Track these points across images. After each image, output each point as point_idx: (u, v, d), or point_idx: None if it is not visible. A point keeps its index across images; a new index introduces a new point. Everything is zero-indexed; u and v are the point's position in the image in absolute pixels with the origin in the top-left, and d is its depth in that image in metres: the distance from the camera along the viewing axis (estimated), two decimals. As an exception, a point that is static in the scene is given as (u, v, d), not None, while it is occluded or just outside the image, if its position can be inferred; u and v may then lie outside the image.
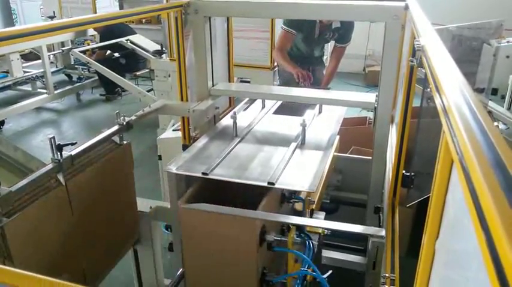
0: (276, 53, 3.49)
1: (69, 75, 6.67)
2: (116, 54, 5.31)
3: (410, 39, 1.43)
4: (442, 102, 0.57)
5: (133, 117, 1.88)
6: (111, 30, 5.50)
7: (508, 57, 4.26)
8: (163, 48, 4.28)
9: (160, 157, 2.61)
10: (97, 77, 5.95)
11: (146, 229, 2.15)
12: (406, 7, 1.75)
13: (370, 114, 3.80)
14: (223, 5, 2.04)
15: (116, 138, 1.83)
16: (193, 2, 2.00)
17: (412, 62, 0.96)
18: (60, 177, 1.50)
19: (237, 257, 1.47)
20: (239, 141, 1.86)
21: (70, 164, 1.52)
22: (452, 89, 0.58)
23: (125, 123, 1.80)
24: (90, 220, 1.67)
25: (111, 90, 5.89)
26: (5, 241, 1.28)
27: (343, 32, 3.42)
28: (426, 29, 1.09)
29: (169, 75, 4.24)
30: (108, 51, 5.65)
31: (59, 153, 1.48)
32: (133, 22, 6.33)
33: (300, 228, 1.51)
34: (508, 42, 4.47)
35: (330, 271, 1.40)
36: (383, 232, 1.21)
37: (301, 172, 1.59)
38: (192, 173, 1.61)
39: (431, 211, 0.58)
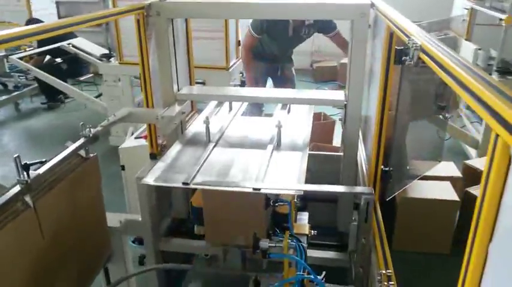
0: (241, 50, 3.46)
1: (4, 84, 6.20)
2: (58, 60, 5.00)
3: (386, 38, 1.45)
4: (482, 100, 0.56)
5: (99, 128, 1.77)
6: (50, 34, 5.17)
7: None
8: (111, 52, 4.09)
9: (123, 167, 2.48)
10: (36, 85, 5.58)
11: (117, 245, 2.04)
12: (372, 5, 1.78)
13: (325, 110, 3.89)
14: (187, 6, 1.96)
15: (82, 152, 1.71)
16: (155, 4, 1.91)
17: (405, 60, 0.97)
18: (28, 199, 1.37)
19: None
20: (214, 147, 1.81)
21: (38, 184, 1.39)
22: (484, 86, 0.58)
23: (91, 135, 1.68)
24: (61, 241, 1.55)
25: (53, 98, 5.54)
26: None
27: (321, 24, 3.36)
28: (413, 28, 1.10)
29: (119, 80, 4.06)
30: (48, 57, 5.31)
31: (25, 173, 1.35)
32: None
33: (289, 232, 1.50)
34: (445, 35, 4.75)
35: (324, 273, 1.39)
36: (372, 190, 1.28)
37: (284, 174, 1.58)
38: (172, 184, 1.54)
39: (483, 213, 0.57)
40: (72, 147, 1.60)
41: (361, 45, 1.85)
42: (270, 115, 2.30)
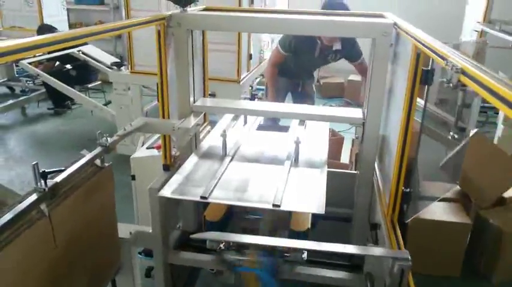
0: (268, 66, 3.54)
1: (11, 88, 6.21)
2: (68, 66, 5.00)
3: (412, 58, 1.44)
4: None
5: (115, 138, 1.74)
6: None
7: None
8: (122, 60, 4.09)
9: (133, 177, 2.45)
10: (44, 90, 5.58)
11: (127, 256, 2.00)
12: (395, 24, 1.77)
13: (333, 126, 3.87)
14: (208, 18, 1.96)
15: (97, 161, 1.68)
16: (176, 15, 1.90)
17: (446, 83, 0.95)
18: (43, 207, 1.34)
19: None
20: (230, 161, 1.78)
21: (54, 193, 1.36)
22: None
23: (108, 144, 1.66)
24: (73, 252, 1.52)
25: (60, 104, 5.54)
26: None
27: (347, 52, 3.41)
28: (446, 50, 1.09)
29: (128, 89, 4.05)
30: (57, 63, 5.32)
31: (43, 181, 1.32)
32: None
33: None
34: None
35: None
36: (407, 254, 1.19)
37: (303, 192, 1.55)
38: (190, 198, 1.51)
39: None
40: (89, 156, 1.57)
41: (383, 63, 1.84)
42: (286, 127, 2.28)
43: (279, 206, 1.42)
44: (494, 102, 0.77)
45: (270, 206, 1.43)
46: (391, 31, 1.77)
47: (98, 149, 1.63)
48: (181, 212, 2.23)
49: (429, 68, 1.43)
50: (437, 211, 2.78)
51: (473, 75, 0.87)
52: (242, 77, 3.80)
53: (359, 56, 3.49)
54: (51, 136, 5.04)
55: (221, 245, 1.96)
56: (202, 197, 1.47)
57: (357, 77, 6.94)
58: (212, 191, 1.52)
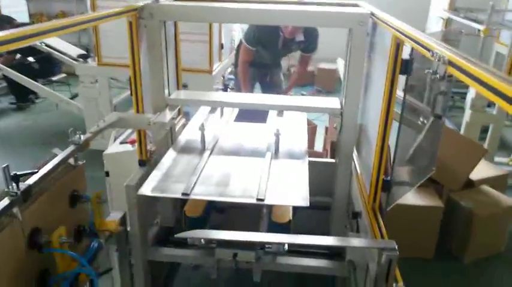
0: (240, 64, 3.57)
1: (-32, 83, 5.89)
2: (30, 59, 4.78)
3: (392, 48, 1.43)
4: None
5: (88, 135, 1.67)
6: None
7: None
8: (89, 52, 3.94)
9: (107, 173, 2.37)
10: (4, 84, 5.32)
11: (104, 257, 1.94)
12: (372, 14, 1.77)
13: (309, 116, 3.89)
14: (180, 9, 1.90)
15: (71, 160, 1.61)
16: (148, 6, 1.83)
17: (433, 74, 0.95)
18: (16, 210, 1.27)
19: None
20: (210, 155, 1.75)
21: (27, 196, 1.29)
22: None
23: (81, 142, 1.59)
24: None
25: (23, 98, 5.30)
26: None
27: (308, 43, 3.47)
28: (430, 41, 1.09)
29: (96, 81, 3.91)
30: (18, 55, 5.07)
31: (14, 184, 1.25)
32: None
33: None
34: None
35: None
36: (394, 244, 1.20)
37: (286, 184, 1.54)
38: (170, 195, 1.47)
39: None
40: (62, 155, 1.50)
41: (360, 53, 1.84)
42: (263, 112, 2.25)
43: (262, 200, 1.41)
44: (483, 91, 0.77)
45: (253, 201, 1.41)
46: (367, 21, 1.77)
47: (71, 148, 1.56)
48: (159, 207, 2.19)
49: (409, 58, 1.43)
50: (410, 196, 2.85)
51: (461, 66, 0.87)
52: (214, 67, 3.74)
53: (314, 49, 3.63)
54: (14, 132, 4.83)
55: (202, 240, 1.95)
56: (183, 194, 1.44)
57: (327, 65, 6.99)
58: (193, 187, 1.49)
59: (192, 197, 1.43)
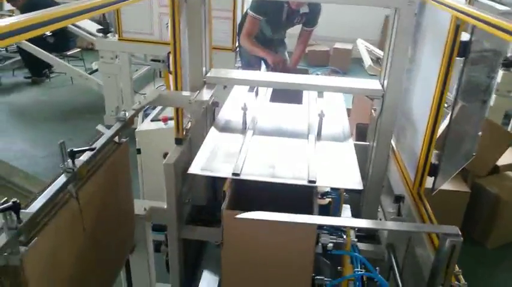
0: (243, 38, 3.35)
1: (-20, 56, 5.84)
2: (48, 33, 4.70)
3: (451, 30, 1.39)
4: None
5: (132, 112, 1.65)
6: (34, 4, 4.86)
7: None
8: (109, 27, 3.87)
9: (139, 151, 2.36)
10: (19, 58, 5.27)
11: (141, 233, 1.95)
12: (422, -7, 1.72)
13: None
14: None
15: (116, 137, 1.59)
16: (191, -20, 1.78)
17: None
18: (71, 188, 1.26)
19: (288, 265, 1.37)
20: (252, 135, 1.73)
21: (81, 173, 1.28)
22: None
23: (127, 119, 1.57)
24: (98, 233, 1.45)
25: (38, 72, 5.26)
26: (22, 275, 1.03)
27: (310, 16, 3.36)
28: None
29: (116, 57, 3.87)
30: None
31: (70, 161, 1.23)
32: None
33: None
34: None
35: (378, 268, 1.36)
36: (458, 230, 1.19)
37: (335, 167, 1.52)
38: (221, 175, 1.45)
39: None
40: (110, 132, 1.48)
41: (406, 35, 1.79)
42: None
43: (314, 182, 1.39)
44: None
45: (305, 182, 1.39)
46: (416, 0, 1.72)
47: (118, 125, 1.54)
48: (192, 186, 2.18)
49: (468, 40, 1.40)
50: (437, 180, 2.84)
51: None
52: (236, 45, 3.69)
53: (315, 24, 3.52)
54: (31, 107, 4.81)
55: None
56: (234, 174, 1.42)
57: (342, 45, 6.90)
58: (242, 167, 1.47)
59: (242, 177, 1.41)
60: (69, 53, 5.26)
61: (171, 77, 4.29)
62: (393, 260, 1.70)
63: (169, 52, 1.95)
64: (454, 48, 1.41)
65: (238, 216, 1.27)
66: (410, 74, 1.89)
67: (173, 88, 1.93)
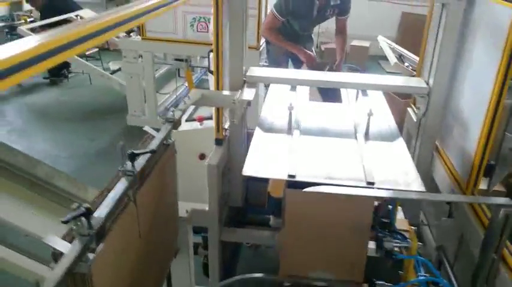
0: (267, 32, 3.29)
1: (-2, 56, 5.83)
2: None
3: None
4: None
5: (179, 112, 1.62)
6: (54, 5, 4.87)
7: None
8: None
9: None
10: (37, 58, 5.26)
11: (184, 236, 1.92)
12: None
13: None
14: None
15: (164, 138, 1.56)
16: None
17: None
18: (130, 192, 1.23)
19: (346, 236, 1.39)
20: (300, 136, 1.69)
21: (142, 176, 1.26)
22: None
23: (176, 119, 1.54)
24: (151, 237, 1.42)
25: (57, 73, 5.26)
26: (90, 282, 1.01)
27: (342, 6, 3.29)
28: None
29: (140, 56, 3.84)
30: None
31: (130, 163, 1.21)
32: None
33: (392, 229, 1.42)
34: None
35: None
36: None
37: (391, 167, 1.48)
38: (276, 176, 1.42)
39: None
40: (163, 133, 1.45)
41: (454, 30, 1.75)
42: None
43: (373, 183, 1.35)
44: None
45: (363, 184, 1.36)
46: (467, -5, 1.68)
47: (168, 126, 1.51)
48: (229, 188, 2.15)
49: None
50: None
51: None
52: (261, 43, 3.64)
53: (348, 11, 3.41)
54: (52, 107, 4.80)
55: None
56: (290, 176, 1.39)
57: (360, 42, 6.83)
58: (297, 169, 1.44)
59: (298, 179, 1.38)
60: (87, 53, 5.25)
61: (193, 76, 4.24)
62: (444, 259, 1.66)
63: (210, 51, 1.92)
64: (517, 44, 1.37)
65: (305, 190, 1.27)
66: (457, 71, 1.84)
67: (214, 88, 1.90)
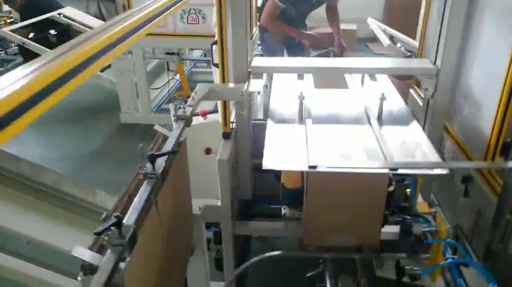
0: (268, 21, 3.24)
1: (-20, 60, 5.66)
2: (52, 32, 4.55)
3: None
4: None
5: (189, 108, 1.57)
6: (34, 5, 4.71)
7: None
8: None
9: (179, 148, 2.28)
10: (20, 60, 5.11)
11: (198, 233, 1.89)
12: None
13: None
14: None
15: (176, 136, 1.52)
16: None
17: None
18: (151, 194, 1.19)
19: (364, 207, 1.46)
20: (313, 124, 1.66)
21: (163, 178, 1.22)
22: None
23: (188, 116, 1.50)
24: (171, 238, 1.39)
25: (42, 74, 5.10)
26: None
27: None
28: None
29: (129, 52, 3.75)
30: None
31: (151, 165, 1.16)
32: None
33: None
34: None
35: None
36: None
37: (411, 151, 1.46)
38: (298, 168, 1.39)
39: None
40: (177, 132, 1.41)
41: (461, 8, 1.73)
42: None
43: (396, 169, 1.33)
44: None
45: (387, 171, 1.34)
46: (475, -28, 1.65)
47: (181, 123, 1.46)
48: (237, 181, 2.12)
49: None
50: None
51: None
52: (253, 32, 3.58)
53: None
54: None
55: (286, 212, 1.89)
56: (311, 167, 1.36)
57: (347, 26, 6.78)
58: (316, 158, 1.41)
59: (319, 169, 1.35)
60: (72, 52, 5.09)
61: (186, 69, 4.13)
62: (463, 238, 1.65)
63: (213, 43, 1.87)
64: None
65: (326, 168, 1.31)
66: (465, 50, 1.82)
67: (219, 81, 1.85)
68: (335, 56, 3.18)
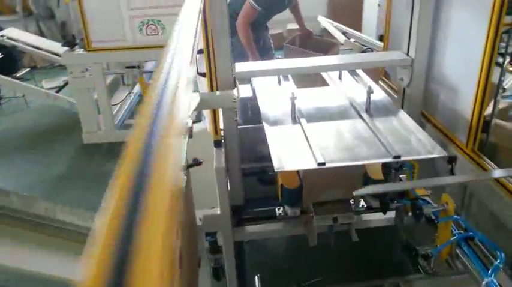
0: (243, 27, 3.24)
1: None
2: (-2, 55, 4.29)
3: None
4: None
5: (188, 120, 1.55)
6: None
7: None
8: (75, 39, 3.59)
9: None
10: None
11: (201, 244, 1.87)
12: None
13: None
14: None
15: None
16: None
17: None
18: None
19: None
20: (308, 123, 1.70)
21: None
22: None
23: (191, 127, 1.48)
24: (187, 253, 1.37)
25: (-14, 102, 4.81)
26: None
27: None
28: None
29: (86, 70, 3.62)
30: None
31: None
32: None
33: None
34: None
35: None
36: None
37: (407, 138, 1.54)
38: (308, 166, 1.42)
39: None
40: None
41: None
42: None
43: (399, 157, 1.40)
44: None
45: (390, 159, 1.40)
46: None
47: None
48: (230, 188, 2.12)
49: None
50: None
51: None
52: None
53: None
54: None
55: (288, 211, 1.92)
56: (319, 164, 1.39)
57: (295, 25, 6.93)
58: (322, 155, 1.45)
59: (328, 165, 1.39)
60: (18, 74, 4.84)
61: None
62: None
63: (198, 52, 1.86)
64: (502, 5, 1.47)
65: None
66: (436, 38, 1.94)
67: (208, 90, 1.85)
68: (301, 40, 3.29)
